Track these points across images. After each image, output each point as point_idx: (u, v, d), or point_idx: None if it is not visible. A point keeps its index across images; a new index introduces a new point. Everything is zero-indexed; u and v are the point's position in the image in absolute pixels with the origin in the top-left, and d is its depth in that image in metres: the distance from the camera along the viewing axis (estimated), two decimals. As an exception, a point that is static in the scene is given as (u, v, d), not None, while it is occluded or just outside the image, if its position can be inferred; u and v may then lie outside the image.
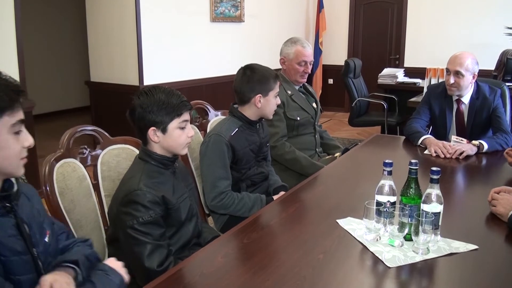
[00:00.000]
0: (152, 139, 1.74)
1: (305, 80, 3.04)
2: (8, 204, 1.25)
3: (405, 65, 7.42)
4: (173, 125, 1.74)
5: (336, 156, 2.97)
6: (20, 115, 1.22)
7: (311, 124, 3.02)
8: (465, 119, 3.02)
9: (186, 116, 1.78)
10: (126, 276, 1.42)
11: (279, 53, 3.07)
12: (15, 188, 1.29)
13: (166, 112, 1.72)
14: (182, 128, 1.77)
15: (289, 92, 2.94)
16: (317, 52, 8.02)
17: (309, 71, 3.01)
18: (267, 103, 2.34)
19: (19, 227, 1.26)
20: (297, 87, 3.04)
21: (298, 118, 2.92)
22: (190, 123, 1.86)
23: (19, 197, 1.30)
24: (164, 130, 1.74)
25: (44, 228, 1.37)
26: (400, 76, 5.96)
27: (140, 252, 1.62)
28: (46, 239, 1.37)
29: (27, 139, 1.26)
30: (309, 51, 2.99)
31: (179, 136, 1.76)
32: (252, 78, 2.31)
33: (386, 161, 1.64)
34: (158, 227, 1.67)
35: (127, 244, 1.65)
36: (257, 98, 2.30)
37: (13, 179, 1.30)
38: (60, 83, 8.10)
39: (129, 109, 1.77)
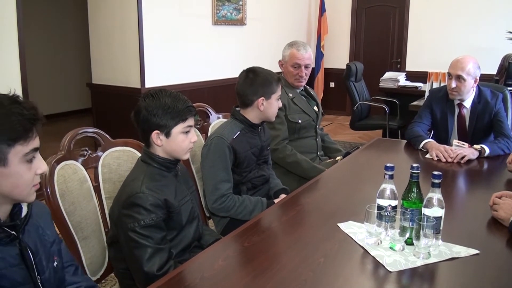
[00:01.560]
0: (155, 142, 1.74)
1: (302, 84, 3.03)
2: (13, 232, 1.21)
3: (407, 69, 7.41)
4: (177, 129, 1.74)
5: (337, 160, 2.97)
6: (34, 143, 1.19)
7: (312, 127, 3.02)
8: (467, 123, 3.02)
9: (190, 121, 1.78)
10: None
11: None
12: (24, 213, 1.26)
13: (171, 116, 1.72)
14: (186, 133, 1.77)
15: (291, 95, 2.94)
16: (319, 55, 8.03)
17: (304, 75, 2.98)
18: (269, 106, 2.34)
19: (23, 255, 1.22)
20: (298, 90, 3.04)
21: (300, 121, 2.92)
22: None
23: (27, 222, 1.27)
24: (167, 134, 1.74)
25: (52, 253, 1.34)
26: (402, 80, 5.97)
27: (140, 256, 1.62)
28: (55, 264, 1.34)
29: (40, 166, 1.23)
30: (303, 54, 2.97)
31: (182, 141, 1.76)
32: (255, 81, 2.31)
33: (388, 165, 1.64)
34: (159, 231, 1.67)
35: (128, 246, 1.65)
36: (260, 101, 2.30)
37: (23, 204, 1.27)
38: (61, 85, 8.11)
39: (134, 111, 1.77)
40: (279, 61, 3.08)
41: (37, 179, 1.24)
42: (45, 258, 1.30)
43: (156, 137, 1.73)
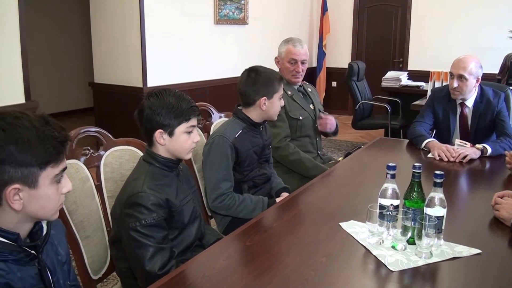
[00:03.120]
0: (158, 141, 1.74)
1: (298, 80, 3.03)
2: (32, 252, 1.19)
3: (409, 68, 7.41)
4: (180, 129, 1.75)
5: (339, 160, 2.97)
6: (63, 164, 1.20)
7: (312, 126, 3.01)
8: (469, 122, 3.02)
9: (194, 121, 1.78)
10: None
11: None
12: (44, 232, 1.26)
13: (174, 116, 1.72)
14: (189, 133, 1.77)
15: (289, 93, 2.94)
16: (321, 54, 8.03)
17: (301, 70, 2.99)
18: (271, 106, 2.34)
19: (41, 275, 1.21)
20: (296, 87, 3.04)
21: (301, 117, 2.92)
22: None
23: (47, 242, 1.26)
24: (171, 134, 1.74)
25: (65, 272, 1.34)
26: (404, 79, 5.97)
27: (141, 255, 1.62)
28: (68, 283, 1.34)
29: (66, 185, 1.24)
30: (299, 50, 2.98)
31: (185, 140, 1.77)
32: (257, 80, 2.31)
33: (390, 164, 1.64)
34: (161, 230, 1.67)
35: (129, 246, 1.65)
36: (262, 101, 2.30)
37: (43, 222, 1.27)
38: (64, 84, 8.13)
39: (137, 109, 1.77)
40: (275, 58, 3.08)
41: (62, 198, 1.24)
42: (62, 277, 1.30)
43: (159, 136, 1.73)
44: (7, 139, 1.09)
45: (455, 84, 2.88)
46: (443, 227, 1.60)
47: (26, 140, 1.11)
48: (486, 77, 3.29)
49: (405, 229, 1.55)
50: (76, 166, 1.79)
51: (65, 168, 1.21)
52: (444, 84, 4.62)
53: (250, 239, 1.69)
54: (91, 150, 1.89)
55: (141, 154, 1.95)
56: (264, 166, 2.45)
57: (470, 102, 2.99)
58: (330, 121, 3.01)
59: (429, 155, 2.76)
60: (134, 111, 1.79)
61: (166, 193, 1.71)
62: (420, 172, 1.60)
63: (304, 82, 3.16)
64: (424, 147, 2.86)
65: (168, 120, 1.72)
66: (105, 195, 1.92)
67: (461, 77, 2.86)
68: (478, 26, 6.84)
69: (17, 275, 1.14)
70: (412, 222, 1.55)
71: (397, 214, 1.59)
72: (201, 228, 1.92)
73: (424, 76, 5.84)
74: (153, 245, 1.63)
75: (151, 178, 1.71)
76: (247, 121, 2.33)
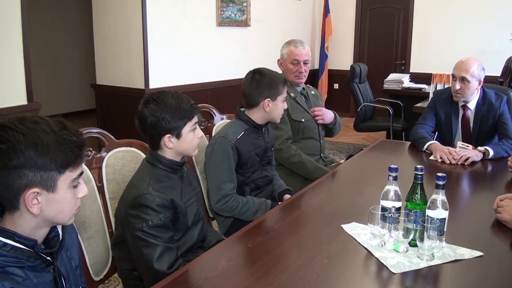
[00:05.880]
0: (167, 145, 1.74)
1: (302, 81, 3.02)
2: (48, 258, 1.20)
3: (411, 70, 7.41)
4: (187, 129, 1.76)
5: (341, 162, 2.97)
6: (80, 168, 1.21)
7: (315, 128, 3.01)
8: (471, 125, 3.01)
9: (196, 118, 1.80)
10: None
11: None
12: (60, 238, 1.27)
13: (179, 117, 1.73)
14: (193, 130, 1.79)
15: (292, 95, 2.94)
16: (323, 57, 8.03)
17: (303, 71, 2.99)
18: (275, 108, 2.34)
19: (56, 282, 1.22)
20: (299, 89, 3.04)
21: (303, 120, 2.92)
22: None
23: (62, 248, 1.27)
24: (178, 136, 1.75)
25: (77, 277, 1.35)
26: (406, 81, 5.97)
27: (149, 254, 1.62)
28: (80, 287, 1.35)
29: (82, 190, 1.24)
30: (301, 51, 2.98)
31: (192, 139, 1.79)
32: (261, 82, 2.31)
33: (392, 166, 1.64)
34: (168, 230, 1.68)
35: (136, 246, 1.65)
36: (266, 102, 2.31)
37: (59, 228, 1.28)
38: (66, 85, 8.14)
39: (137, 118, 1.76)
40: (278, 60, 3.09)
41: (78, 202, 1.25)
42: (74, 283, 1.31)
43: (168, 140, 1.73)
44: (26, 144, 1.10)
45: (457, 86, 2.88)
46: (445, 229, 1.60)
47: (46, 144, 1.11)
48: (488, 80, 3.28)
49: (407, 231, 1.55)
50: (78, 167, 1.79)
51: (82, 173, 1.23)
52: (446, 86, 4.62)
53: (252, 240, 1.69)
54: (93, 152, 1.89)
55: (143, 155, 1.96)
56: (266, 168, 2.45)
57: (472, 105, 2.98)
58: (318, 112, 3.00)
59: (431, 158, 2.76)
60: (135, 120, 1.78)
61: (171, 194, 1.71)
62: (422, 174, 1.60)
63: (308, 85, 3.16)
64: (426, 149, 2.86)
65: (174, 123, 1.73)
66: (107, 196, 1.92)
67: (463, 79, 2.86)
68: (481, 28, 6.83)
69: (33, 281, 1.15)
70: (414, 224, 1.55)
71: (399, 216, 1.59)
72: (204, 230, 1.92)
73: (426, 78, 5.84)
74: (161, 244, 1.63)
75: (156, 180, 1.71)
76: (249, 122, 2.33)
